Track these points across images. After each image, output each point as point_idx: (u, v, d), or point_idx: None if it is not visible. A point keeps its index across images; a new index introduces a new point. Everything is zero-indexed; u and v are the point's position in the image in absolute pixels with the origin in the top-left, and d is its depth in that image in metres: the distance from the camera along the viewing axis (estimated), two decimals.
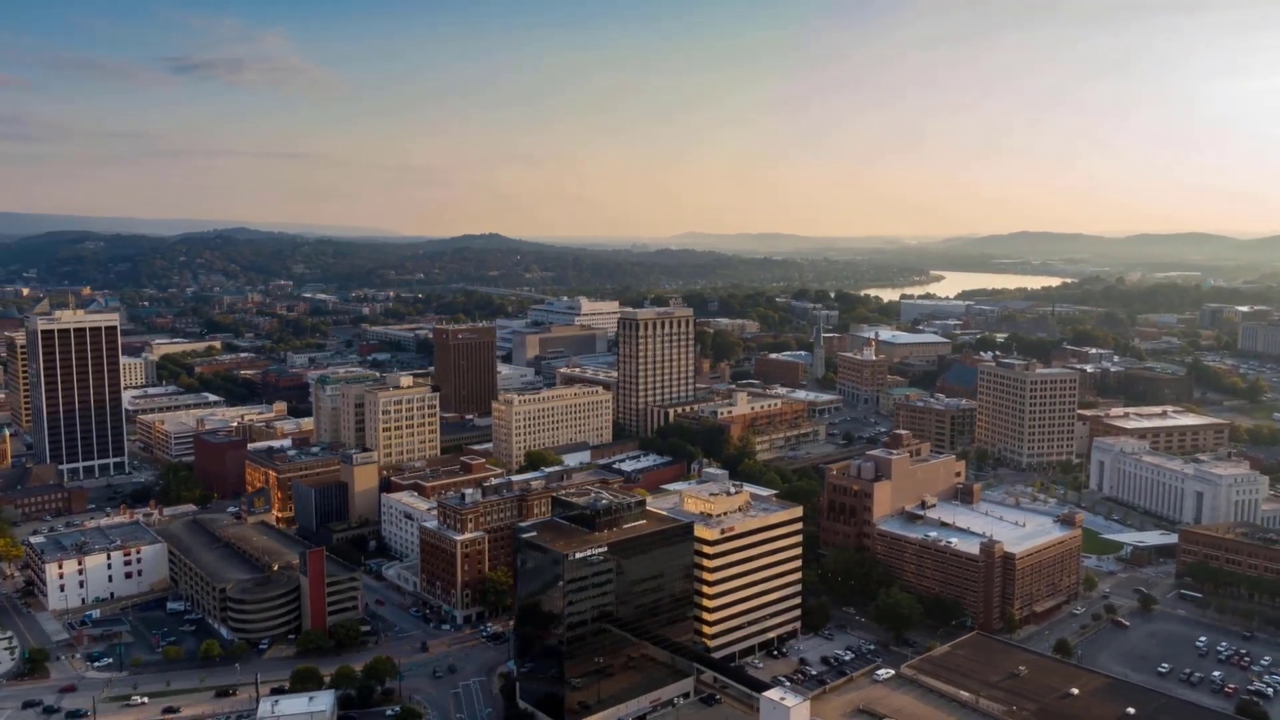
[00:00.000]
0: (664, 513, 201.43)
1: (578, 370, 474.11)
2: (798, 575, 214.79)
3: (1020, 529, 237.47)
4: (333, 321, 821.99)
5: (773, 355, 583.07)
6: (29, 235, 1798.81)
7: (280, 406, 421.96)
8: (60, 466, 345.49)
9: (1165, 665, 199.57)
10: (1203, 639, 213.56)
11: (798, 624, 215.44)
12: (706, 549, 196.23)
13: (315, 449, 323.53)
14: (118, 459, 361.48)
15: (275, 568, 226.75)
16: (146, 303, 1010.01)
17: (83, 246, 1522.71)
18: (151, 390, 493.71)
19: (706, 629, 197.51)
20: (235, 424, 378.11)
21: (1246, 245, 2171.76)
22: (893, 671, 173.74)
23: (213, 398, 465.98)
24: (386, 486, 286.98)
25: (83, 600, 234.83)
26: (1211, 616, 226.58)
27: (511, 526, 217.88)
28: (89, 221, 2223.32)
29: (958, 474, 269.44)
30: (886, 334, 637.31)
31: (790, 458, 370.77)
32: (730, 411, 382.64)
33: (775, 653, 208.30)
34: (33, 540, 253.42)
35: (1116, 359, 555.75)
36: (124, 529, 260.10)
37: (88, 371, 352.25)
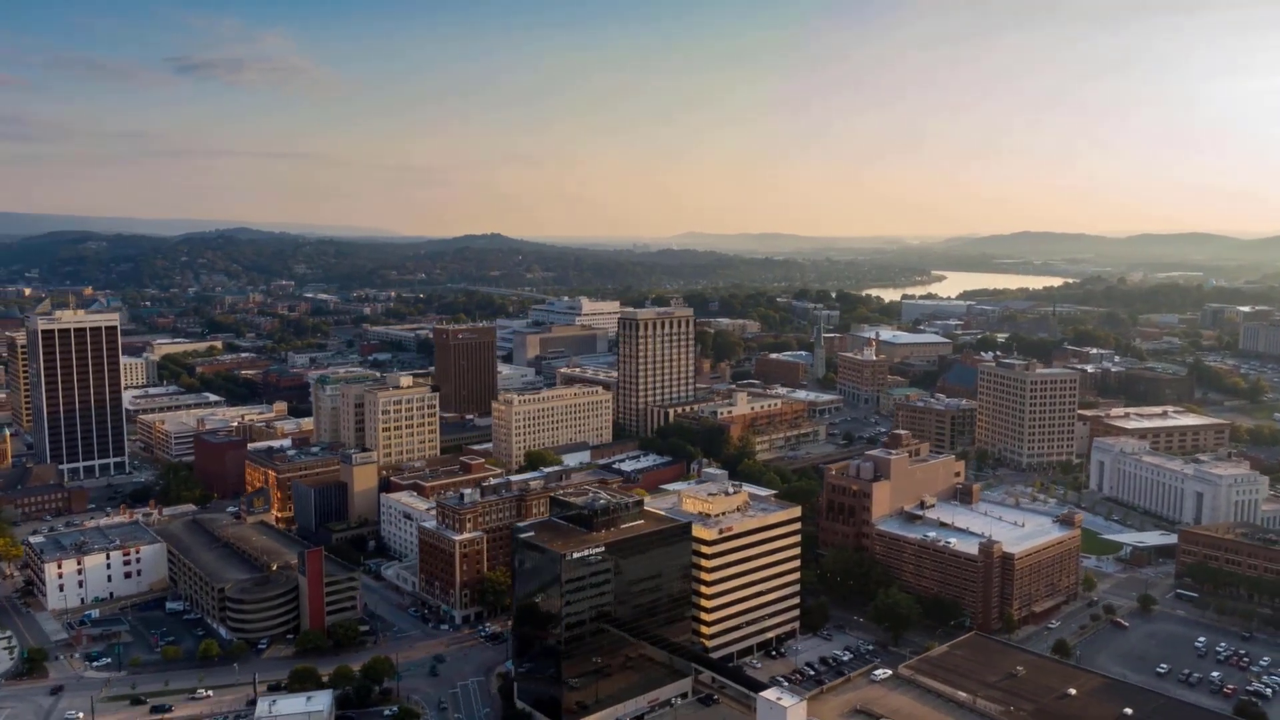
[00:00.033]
0: (662, 513, 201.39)
1: (578, 370, 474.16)
2: (796, 575, 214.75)
3: (1019, 529, 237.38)
4: (334, 321, 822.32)
5: (773, 355, 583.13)
6: (31, 235, 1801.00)
7: (281, 406, 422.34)
8: (60, 466, 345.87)
9: (1164, 666, 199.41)
10: (1202, 639, 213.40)
11: (796, 624, 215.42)
12: (705, 549, 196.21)
13: (315, 449, 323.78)
14: (118, 459, 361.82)
15: (274, 568, 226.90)
16: (148, 303, 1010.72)
17: (84, 246, 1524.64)
18: (152, 390, 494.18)
19: (704, 629, 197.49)
20: (235, 424, 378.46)
21: (1248, 245, 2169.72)
22: (890, 672, 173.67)
23: (213, 398, 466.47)
24: (386, 486, 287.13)
25: (82, 600, 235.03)
26: (1211, 617, 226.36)
27: (510, 526, 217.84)
28: (91, 221, 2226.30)
29: (957, 474, 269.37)
30: (887, 334, 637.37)
31: (790, 458, 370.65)
32: (730, 411, 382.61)
33: (774, 653, 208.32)
34: (32, 540, 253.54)
35: (1117, 359, 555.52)
36: (123, 529, 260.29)
37: (88, 371, 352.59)
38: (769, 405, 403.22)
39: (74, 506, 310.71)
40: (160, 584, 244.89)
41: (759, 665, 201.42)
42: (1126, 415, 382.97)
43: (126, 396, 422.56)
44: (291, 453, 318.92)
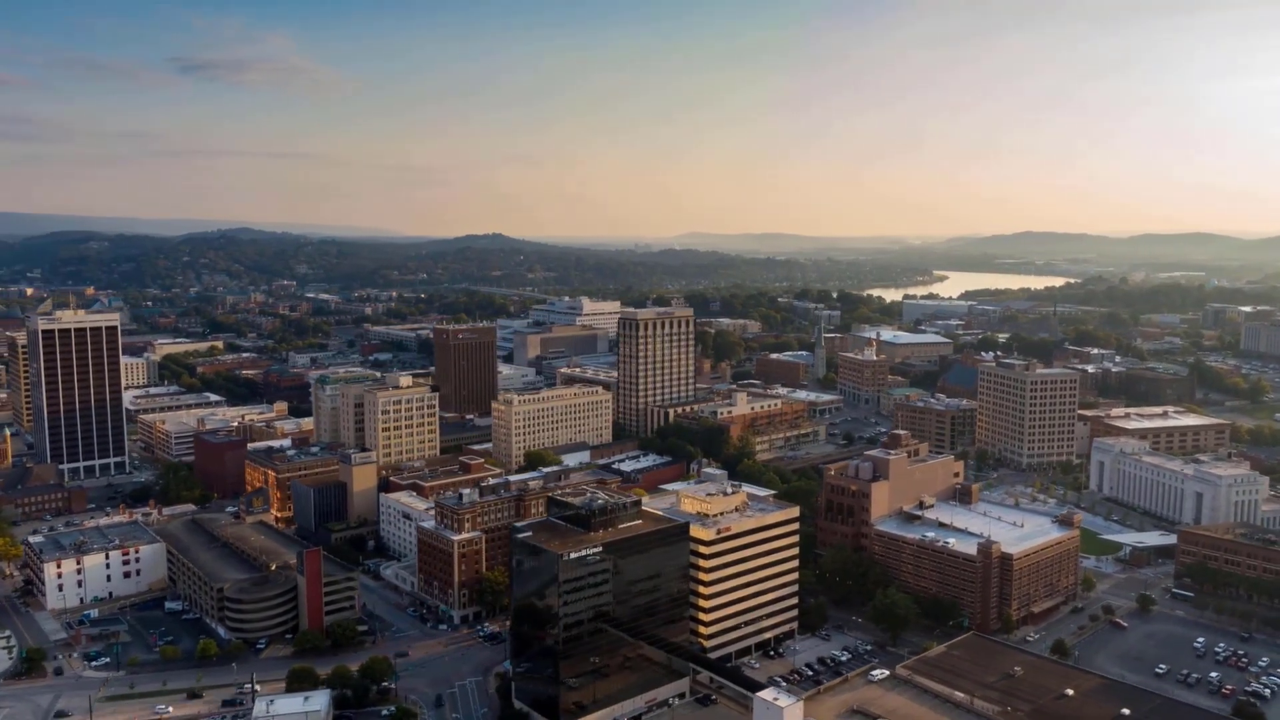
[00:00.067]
0: (660, 513, 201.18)
1: (578, 370, 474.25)
2: (794, 575, 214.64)
3: (1018, 529, 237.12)
4: (335, 321, 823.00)
5: (774, 355, 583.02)
6: (33, 235, 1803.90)
7: (281, 406, 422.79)
8: (61, 466, 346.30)
9: (1163, 666, 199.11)
10: (1201, 640, 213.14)
11: (795, 624, 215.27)
12: (702, 549, 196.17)
13: (315, 449, 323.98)
14: (118, 459, 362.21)
15: (273, 567, 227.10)
16: (150, 303, 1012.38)
17: (87, 246, 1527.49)
18: (153, 390, 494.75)
19: (702, 629, 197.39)
20: (236, 424, 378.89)
21: (1251, 245, 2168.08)
22: (888, 672, 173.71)
23: (214, 398, 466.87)
24: (385, 486, 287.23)
25: (81, 600, 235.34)
26: (1210, 617, 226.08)
27: (509, 527, 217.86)
28: (93, 221, 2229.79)
29: (956, 474, 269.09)
30: (888, 334, 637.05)
31: (790, 458, 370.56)
32: (730, 412, 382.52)
33: (772, 653, 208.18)
34: (32, 540, 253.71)
35: (1118, 359, 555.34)
36: (123, 529, 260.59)
37: (88, 371, 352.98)
38: (769, 405, 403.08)
39: (74, 506, 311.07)
40: (159, 584, 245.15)
41: (757, 665, 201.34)
42: (1127, 415, 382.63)
43: (127, 396, 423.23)
44: (291, 453, 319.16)
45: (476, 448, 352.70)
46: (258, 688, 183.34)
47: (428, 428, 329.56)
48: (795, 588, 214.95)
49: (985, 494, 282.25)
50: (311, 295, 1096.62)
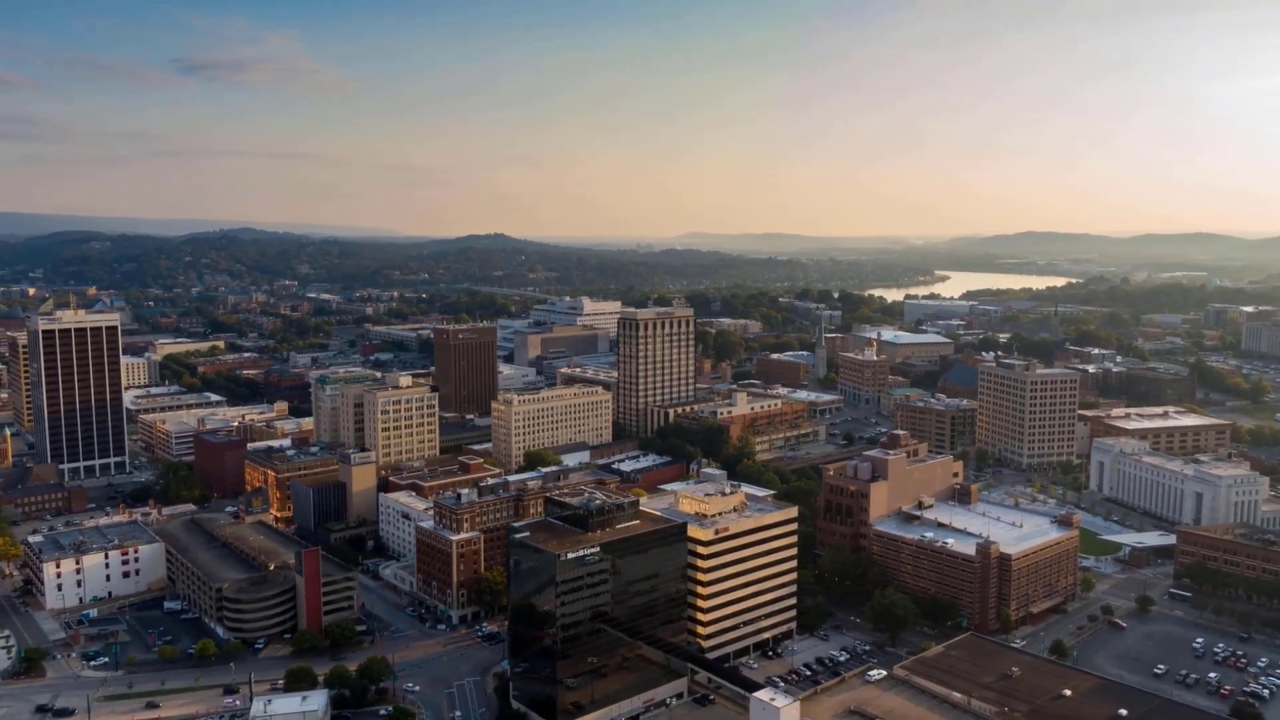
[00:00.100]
0: (658, 513, 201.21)
1: (578, 370, 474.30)
2: (793, 576, 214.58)
3: (1017, 530, 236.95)
4: (336, 321, 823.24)
5: (774, 355, 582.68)
6: (35, 235, 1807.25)
7: (281, 406, 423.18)
8: (61, 466, 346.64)
9: (1161, 666, 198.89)
10: (1200, 640, 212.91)
11: (793, 624, 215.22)
12: (700, 549, 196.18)
13: (314, 449, 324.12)
14: (118, 458, 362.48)
15: (271, 567, 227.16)
16: (151, 303, 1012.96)
17: (89, 246, 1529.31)
18: (154, 390, 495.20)
19: (700, 629, 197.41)
20: (236, 424, 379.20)
21: (1253, 245, 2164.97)
22: (885, 672, 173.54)
23: (215, 397, 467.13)
24: (385, 486, 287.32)
25: (80, 599, 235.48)
26: (1209, 618, 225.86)
27: (507, 526, 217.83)
28: (95, 221, 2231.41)
29: (955, 474, 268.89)
30: (889, 334, 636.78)
31: (790, 458, 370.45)
32: (730, 412, 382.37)
33: (770, 653, 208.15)
34: (31, 539, 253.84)
35: (1119, 359, 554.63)
36: (122, 528, 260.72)
37: (88, 371, 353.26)
38: (769, 405, 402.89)
39: (74, 506, 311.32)
40: (158, 584, 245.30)
41: (755, 665, 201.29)
42: (1127, 415, 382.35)
43: (128, 396, 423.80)
44: (291, 452, 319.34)
45: (476, 448, 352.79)
46: (255, 687, 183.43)
47: (427, 428, 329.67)
48: (794, 588, 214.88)
49: (985, 494, 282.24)
50: (313, 295, 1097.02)
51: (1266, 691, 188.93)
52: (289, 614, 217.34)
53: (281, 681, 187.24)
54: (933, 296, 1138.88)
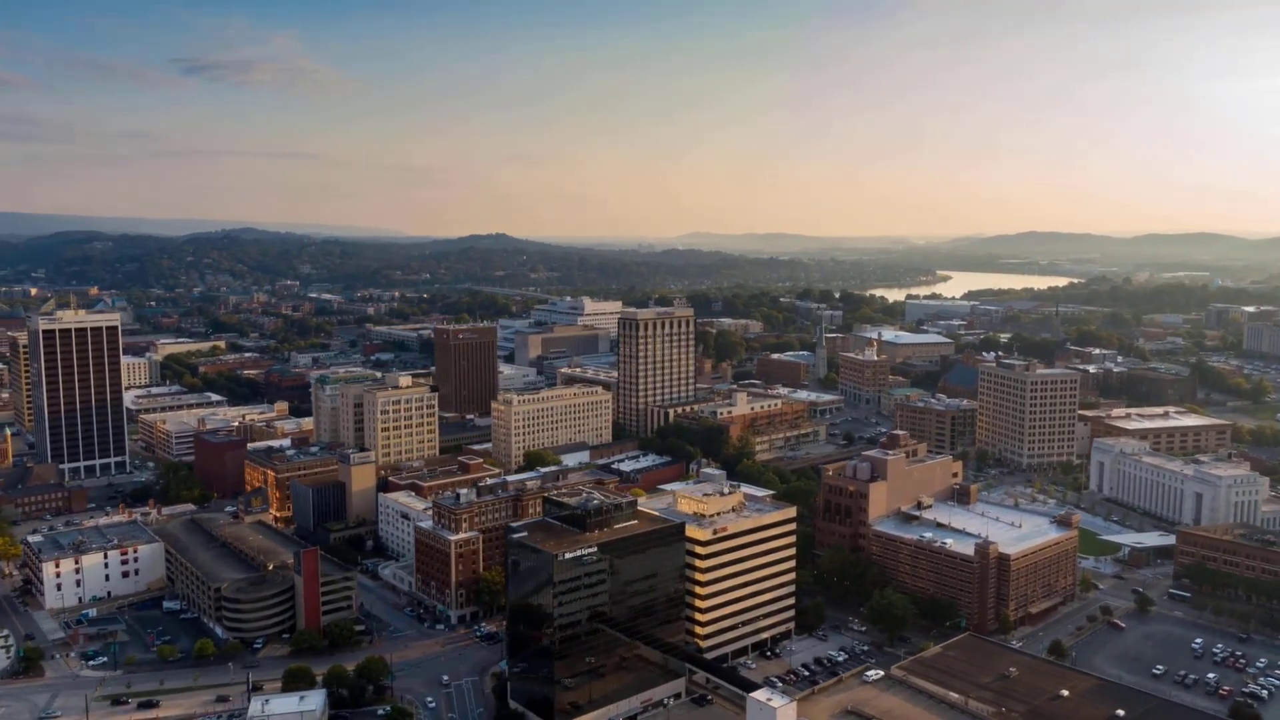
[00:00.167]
0: (656, 513, 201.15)
1: (579, 370, 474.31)
2: (791, 576, 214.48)
3: (1016, 530, 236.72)
4: (338, 321, 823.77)
5: (775, 355, 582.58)
6: (37, 235, 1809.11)
7: (282, 406, 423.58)
8: (61, 466, 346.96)
9: (1160, 667, 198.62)
10: (1199, 641, 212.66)
11: (791, 625, 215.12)
12: (699, 549, 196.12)
13: (314, 449, 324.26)
14: (119, 458, 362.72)
15: (270, 567, 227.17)
16: (153, 303, 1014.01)
17: (91, 246, 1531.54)
18: (155, 390, 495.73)
19: (699, 629, 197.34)
20: (236, 424, 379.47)
21: (1255, 245, 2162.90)
22: (882, 672, 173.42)
23: (215, 397, 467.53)
24: (384, 486, 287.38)
25: (80, 599, 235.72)
26: (1208, 618, 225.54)
27: (506, 527, 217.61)
28: (97, 221, 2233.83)
29: (955, 474, 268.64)
30: (889, 334, 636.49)
31: (790, 458, 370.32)
32: (730, 412, 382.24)
33: (768, 653, 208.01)
34: (30, 539, 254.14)
35: (1120, 359, 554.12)
36: (122, 528, 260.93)
37: (89, 371, 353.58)
38: (769, 405, 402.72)
39: (74, 506, 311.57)
40: (158, 583, 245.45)
41: (753, 666, 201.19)
42: (1127, 416, 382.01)
43: (129, 396, 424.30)
44: (290, 452, 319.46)
45: (476, 448, 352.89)
46: (252, 687, 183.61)
47: (427, 428, 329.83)
48: (792, 588, 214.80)
49: (985, 494, 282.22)
50: (314, 295, 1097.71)
51: (1265, 692, 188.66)
52: (288, 614, 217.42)
53: (279, 682, 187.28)
54: (934, 296, 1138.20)
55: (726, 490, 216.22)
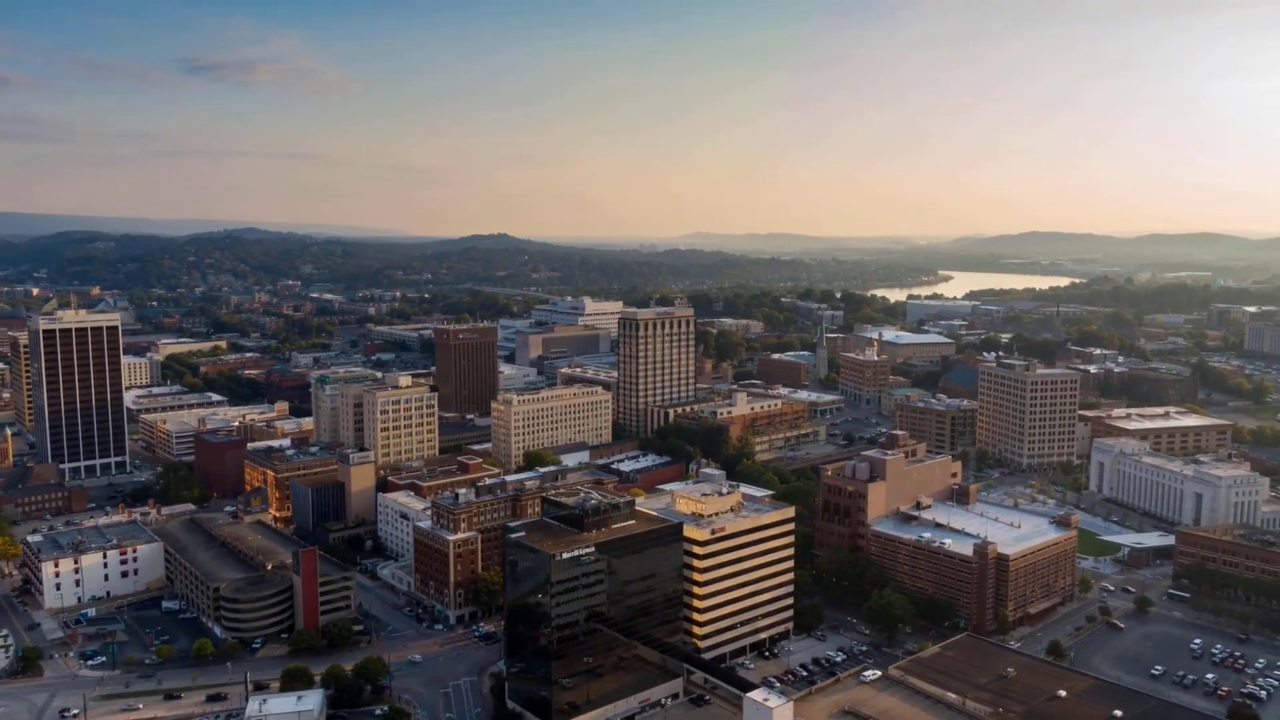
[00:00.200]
0: (654, 513, 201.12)
1: (579, 370, 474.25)
2: (790, 576, 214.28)
3: (1015, 530, 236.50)
4: (339, 321, 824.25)
5: (775, 355, 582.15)
6: (40, 235, 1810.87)
7: (282, 406, 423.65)
8: (61, 466, 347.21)
9: (1159, 667, 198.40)
10: (1198, 641, 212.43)
11: (790, 625, 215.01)
12: (696, 549, 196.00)
13: (314, 449, 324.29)
14: (119, 458, 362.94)
15: (269, 567, 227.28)
16: (155, 303, 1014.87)
17: (93, 246, 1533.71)
18: (155, 390, 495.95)
19: (697, 629, 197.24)
20: (236, 424, 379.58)
21: (1258, 245, 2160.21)
22: (880, 673, 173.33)
23: (216, 397, 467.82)
24: (383, 486, 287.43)
25: (79, 599, 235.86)
26: (1207, 618, 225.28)
27: (504, 526, 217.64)
28: (99, 222, 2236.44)
29: (954, 475, 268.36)
30: (890, 334, 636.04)
31: (790, 458, 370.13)
32: (730, 412, 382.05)
33: (767, 654, 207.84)
34: (30, 539, 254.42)
35: (1121, 359, 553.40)
36: (121, 528, 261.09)
37: (89, 371, 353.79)
38: (769, 406, 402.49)
39: (74, 506, 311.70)
40: (157, 583, 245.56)
41: (751, 666, 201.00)
42: (1128, 416, 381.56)
43: (129, 396, 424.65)
44: (290, 452, 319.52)
45: (476, 448, 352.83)
46: (250, 686, 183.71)
47: (426, 428, 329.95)
48: (791, 588, 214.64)
49: (985, 494, 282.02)
50: (316, 295, 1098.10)
51: (1264, 693, 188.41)
52: (286, 614, 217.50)
53: (277, 682, 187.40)
54: (936, 297, 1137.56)
55: (725, 490, 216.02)
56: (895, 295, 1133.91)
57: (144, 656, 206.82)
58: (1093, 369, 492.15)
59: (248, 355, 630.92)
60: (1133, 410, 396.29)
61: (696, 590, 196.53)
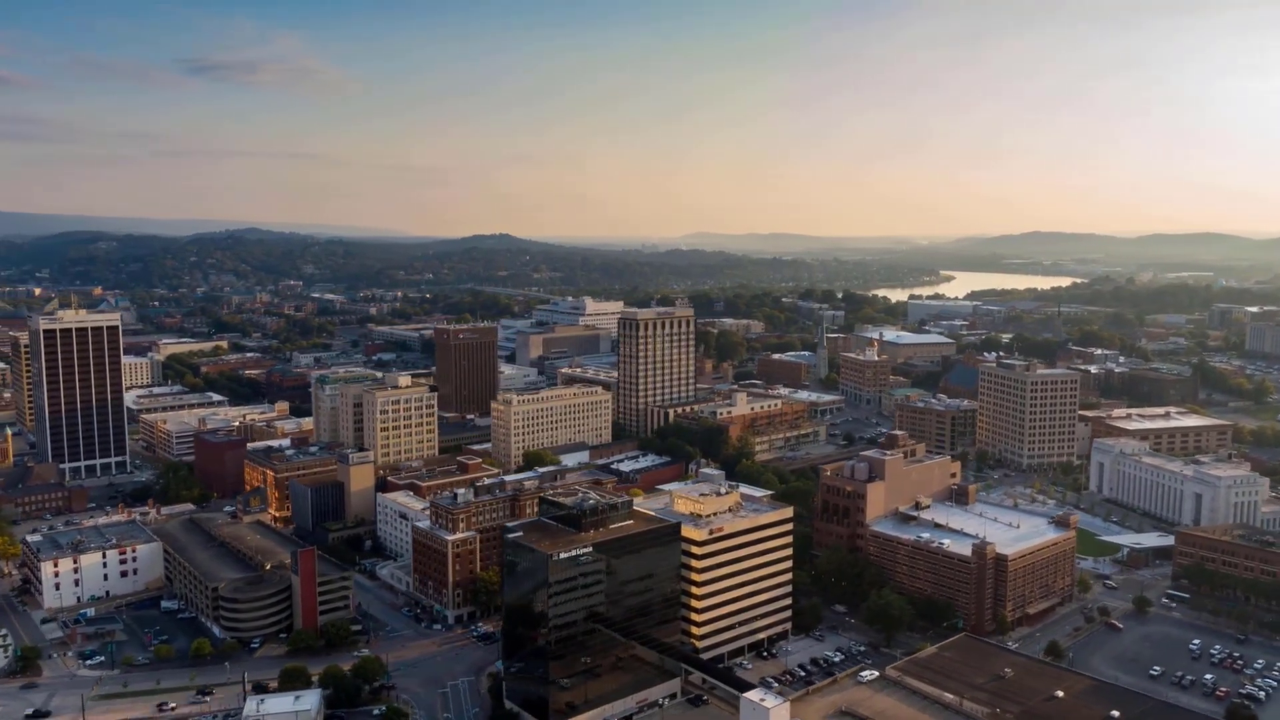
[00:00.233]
0: (652, 513, 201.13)
1: (580, 370, 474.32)
2: (788, 576, 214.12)
3: (1014, 530, 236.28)
4: (340, 321, 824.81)
5: (776, 356, 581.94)
6: (42, 235, 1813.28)
7: (283, 406, 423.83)
8: (62, 465, 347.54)
9: (1157, 668, 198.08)
10: (1196, 642, 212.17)
11: (788, 625, 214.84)
12: (694, 549, 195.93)
13: (313, 449, 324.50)
14: (119, 458, 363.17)
15: (268, 567, 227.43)
16: (156, 303, 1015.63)
17: (95, 247, 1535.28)
18: (156, 390, 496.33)
19: (695, 629, 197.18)
20: (237, 424, 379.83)
21: (1260, 245, 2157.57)
22: (877, 673, 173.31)
23: (217, 397, 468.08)
24: (383, 486, 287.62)
25: (78, 599, 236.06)
26: (1206, 619, 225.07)
27: (502, 527, 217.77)
28: (102, 222, 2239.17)
29: (953, 475, 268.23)
30: (891, 334, 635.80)
31: (790, 458, 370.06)
32: (730, 412, 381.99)
33: (765, 654, 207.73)
34: (29, 539, 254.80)
35: (1122, 360, 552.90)
36: (121, 528, 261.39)
37: (89, 371, 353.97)
38: (769, 406, 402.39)
39: (74, 505, 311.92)
40: (156, 583, 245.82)
41: (750, 666, 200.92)
42: (1128, 416, 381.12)
43: (130, 396, 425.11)
44: (290, 452, 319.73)
45: (476, 448, 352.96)
46: (249, 686, 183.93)
47: (426, 428, 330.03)
48: (789, 588, 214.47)
49: (984, 495, 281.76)
50: (317, 295, 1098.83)
51: (1263, 693, 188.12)
52: (285, 613, 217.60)
53: (275, 681, 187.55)
54: (937, 297, 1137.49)
55: (724, 490, 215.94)
56: (897, 295, 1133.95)
57: (143, 656, 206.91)
58: (1093, 369, 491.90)
59: (249, 355, 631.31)
60: (1133, 410, 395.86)
61: (694, 590, 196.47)
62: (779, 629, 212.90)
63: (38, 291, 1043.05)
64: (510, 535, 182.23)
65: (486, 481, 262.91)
